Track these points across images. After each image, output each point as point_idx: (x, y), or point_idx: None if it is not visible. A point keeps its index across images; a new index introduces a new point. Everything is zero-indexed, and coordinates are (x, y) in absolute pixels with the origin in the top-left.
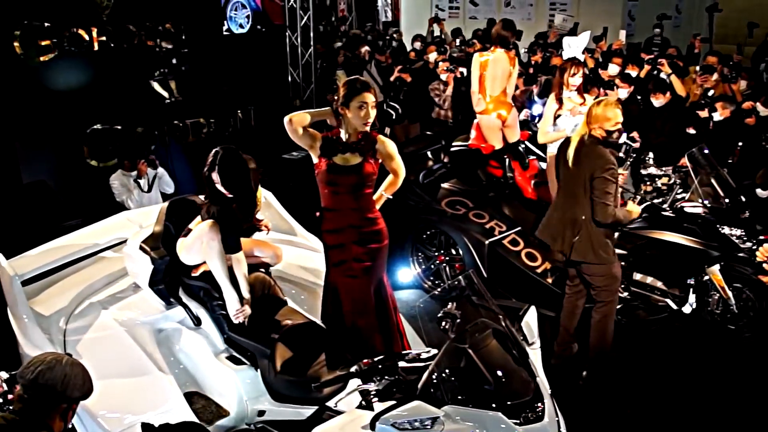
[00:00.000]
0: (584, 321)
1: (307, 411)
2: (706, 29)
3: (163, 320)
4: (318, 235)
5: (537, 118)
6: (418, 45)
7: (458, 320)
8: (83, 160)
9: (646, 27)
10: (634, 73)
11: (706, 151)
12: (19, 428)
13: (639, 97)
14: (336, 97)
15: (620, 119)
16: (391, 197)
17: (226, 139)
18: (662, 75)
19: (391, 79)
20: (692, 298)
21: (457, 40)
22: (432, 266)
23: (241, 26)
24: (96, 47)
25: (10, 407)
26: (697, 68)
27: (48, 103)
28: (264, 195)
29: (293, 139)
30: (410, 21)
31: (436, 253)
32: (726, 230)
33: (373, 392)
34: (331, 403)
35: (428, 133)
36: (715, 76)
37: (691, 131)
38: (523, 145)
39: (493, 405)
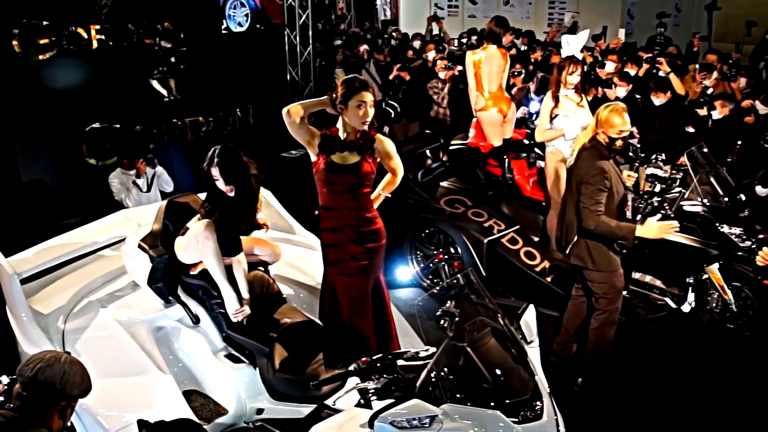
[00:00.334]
0: (585, 324)
1: (306, 409)
2: (705, 28)
3: (162, 318)
4: (316, 233)
5: (534, 116)
6: (417, 44)
7: (457, 319)
8: (82, 158)
9: (646, 26)
10: (633, 72)
11: (705, 150)
12: (18, 426)
13: (638, 96)
14: (335, 95)
15: (626, 127)
16: (389, 196)
17: (225, 137)
18: (661, 73)
19: (390, 77)
20: (691, 296)
21: (462, 39)
22: (431, 265)
23: (239, 25)
24: (95, 46)
25: (10, 405)
26: (697, 66)
27: (47, 102)
28: (263, 194)
29: (291, 131)
30: (409, 19)
31: (435, 252)
32: (725, 229)
33: (371, 390)
34: (329, 402)
35: (427, 131)
36: (715, 74)
37: (690, 130)
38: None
39: (492, 403)
